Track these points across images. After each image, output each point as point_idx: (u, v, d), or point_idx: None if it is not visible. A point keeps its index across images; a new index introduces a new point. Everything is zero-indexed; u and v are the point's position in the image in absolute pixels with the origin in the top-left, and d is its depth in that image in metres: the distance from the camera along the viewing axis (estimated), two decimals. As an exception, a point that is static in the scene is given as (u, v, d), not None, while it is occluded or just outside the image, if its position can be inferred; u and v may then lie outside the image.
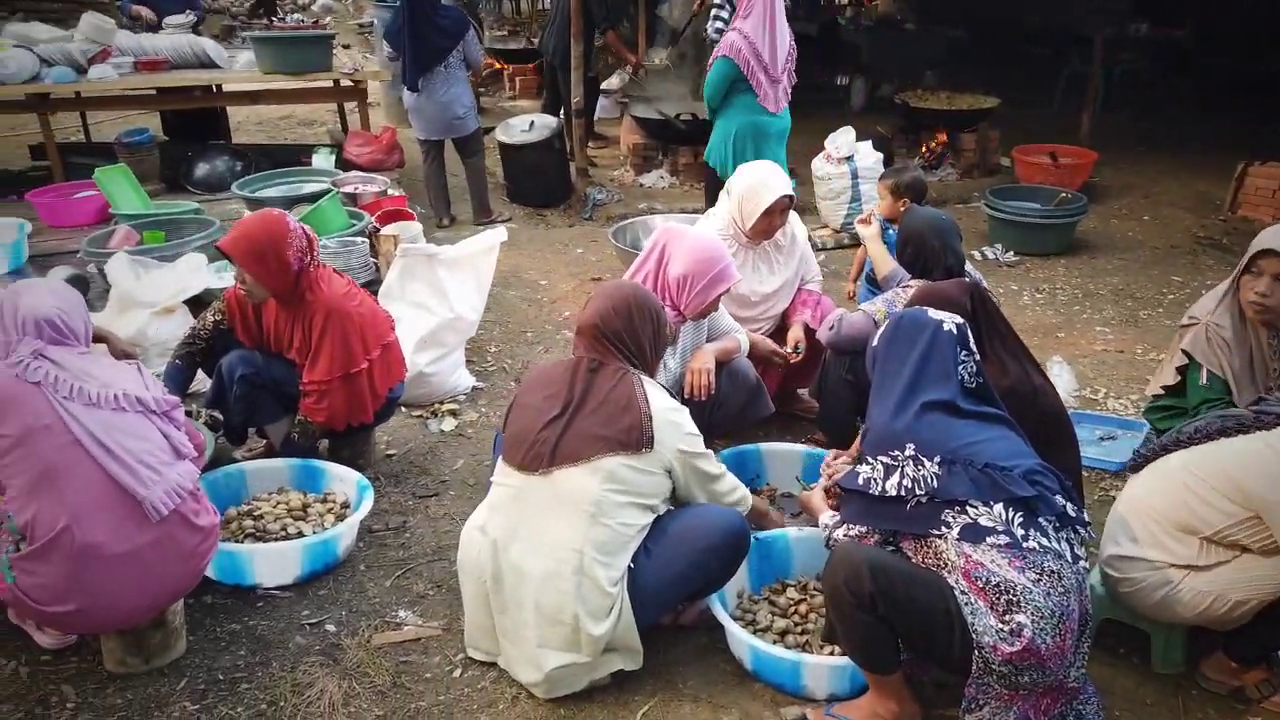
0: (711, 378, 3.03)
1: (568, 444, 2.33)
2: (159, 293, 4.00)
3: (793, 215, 3.64)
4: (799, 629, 2.57)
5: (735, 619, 2.56)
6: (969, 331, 2.38)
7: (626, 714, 2.38)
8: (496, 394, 4.17)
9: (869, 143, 6.09)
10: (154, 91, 6.77)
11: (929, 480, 2.15)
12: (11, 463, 2.20)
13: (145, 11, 7.39)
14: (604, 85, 8.72)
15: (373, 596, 2.84)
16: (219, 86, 7.12)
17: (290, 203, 5.22)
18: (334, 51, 7.02)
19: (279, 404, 3.29)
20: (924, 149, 7.53)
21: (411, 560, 3.02)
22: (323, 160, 6.46)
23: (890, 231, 4.32)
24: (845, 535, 2.33)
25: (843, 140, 5.94)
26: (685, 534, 2.39)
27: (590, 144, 7.67)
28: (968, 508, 2.12)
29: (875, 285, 4.00)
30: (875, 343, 2.48)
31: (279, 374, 3.25)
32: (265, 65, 6.44)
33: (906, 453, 2.19)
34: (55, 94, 6.13)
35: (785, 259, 3.62)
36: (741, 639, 2.44)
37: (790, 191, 3.48)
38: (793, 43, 4.96)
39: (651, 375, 2.52)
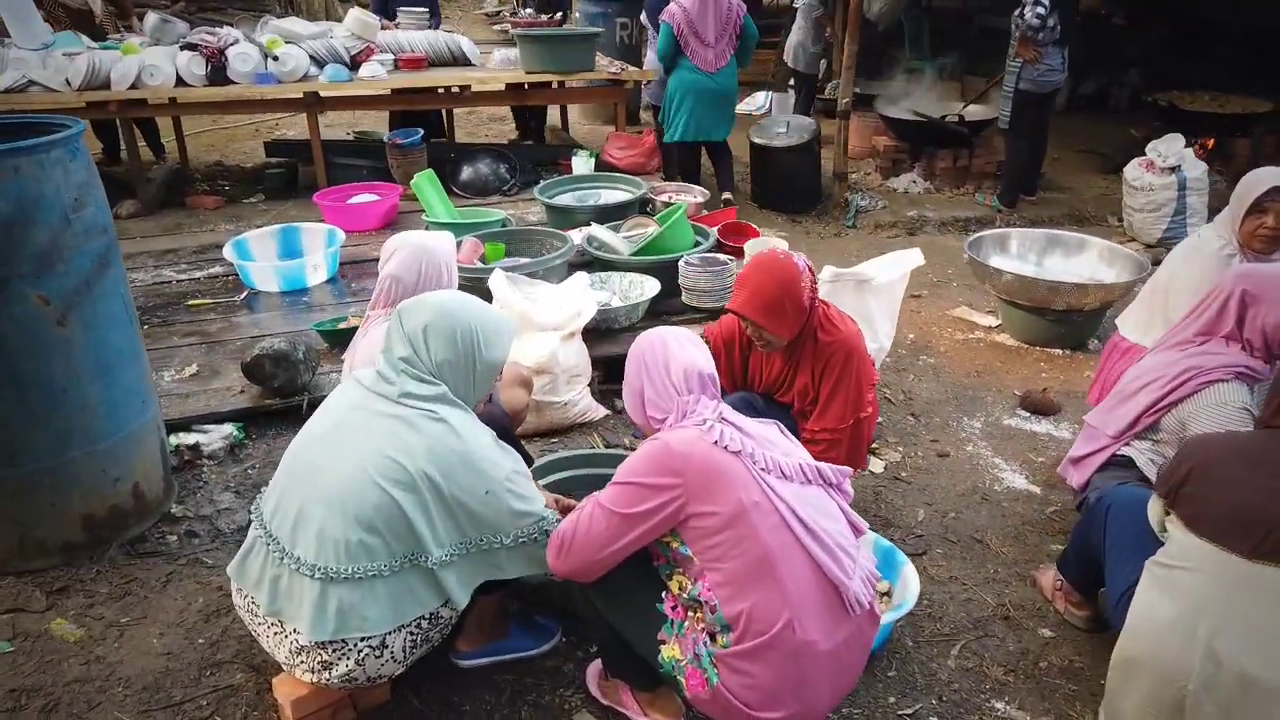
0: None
1: (1330, 536, 1.98)
2: (552, 314, 3.71)
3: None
4: None
5: None
6: None
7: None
8: (899, 430, 3.84)
9: (1192, 150, 5.65)
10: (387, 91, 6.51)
11: None
12: (721, 543, 1.90)
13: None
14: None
15: (946, 680, 2.52)
16: (459, 87, 6.83)
17: (593, 215, 4.92)
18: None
19: (773, 451, 2.98)
20: (1183, 154, 7.06)
21: (955, 635, 2.70)
22: (583, 164, 6.16)
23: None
24: None
25: (1168, 148, 5.51)
26: None
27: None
28: None
29: None
30: None
31: (779, 419, 2.94)
32: (530, 63, 6.17)
33: None
34: (325, 92, 5.91)
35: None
36: None
37: None
38: (739, 5, 5.88)
39: None
